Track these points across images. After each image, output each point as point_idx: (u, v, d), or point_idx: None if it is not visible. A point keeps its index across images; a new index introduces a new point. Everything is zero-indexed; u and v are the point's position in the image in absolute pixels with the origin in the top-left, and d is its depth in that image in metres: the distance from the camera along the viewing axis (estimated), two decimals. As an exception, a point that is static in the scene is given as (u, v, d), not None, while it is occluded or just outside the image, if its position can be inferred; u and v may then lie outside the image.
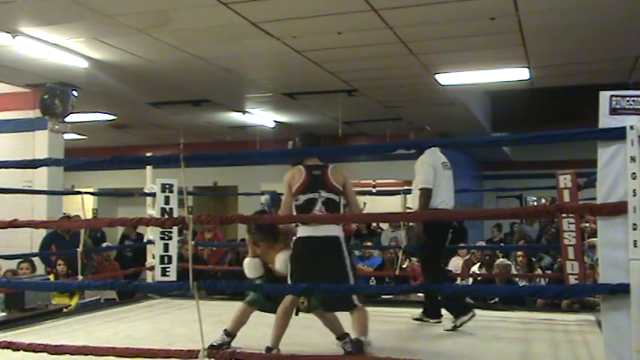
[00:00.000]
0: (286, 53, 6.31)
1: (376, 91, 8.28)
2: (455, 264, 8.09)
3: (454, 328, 4.36)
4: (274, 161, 12.43)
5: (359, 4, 4.95)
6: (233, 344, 3.77)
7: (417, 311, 4.82)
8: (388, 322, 4.78)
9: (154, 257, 5.87)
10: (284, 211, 3.56)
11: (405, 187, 11.58)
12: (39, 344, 3.12)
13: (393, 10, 5.14)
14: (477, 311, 5.28)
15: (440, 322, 4.64)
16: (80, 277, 5.41)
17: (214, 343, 3.63)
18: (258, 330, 4.52)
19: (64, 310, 5.35)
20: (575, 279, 4.62)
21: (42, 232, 7.05)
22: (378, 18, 5.28)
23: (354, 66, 6.97)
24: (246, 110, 9.70)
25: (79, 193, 5.99)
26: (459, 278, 7.34)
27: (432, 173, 4.38)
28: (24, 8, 5.12)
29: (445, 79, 7.45)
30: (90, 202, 12.98)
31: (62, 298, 5.81)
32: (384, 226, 10.92)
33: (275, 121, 10.54)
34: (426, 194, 4.36)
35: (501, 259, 6.51)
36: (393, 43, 6.01)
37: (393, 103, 9.03)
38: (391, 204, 9.87)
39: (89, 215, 10.42)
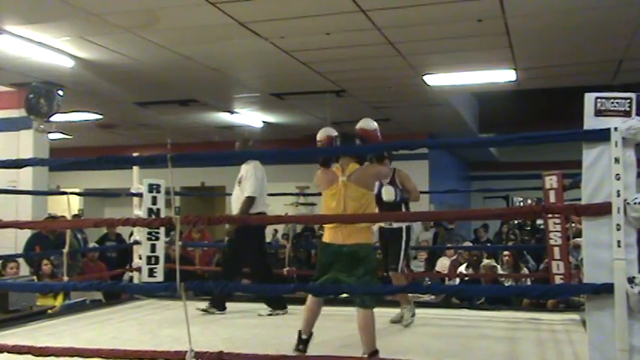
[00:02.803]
0: (274, 53, 6.30)
1: (364, 91, 8.30)
2: (442, 264, 8.14)
3: (269, 315, 5.02)
4: (262, 161, 12.42)
5: (347, 5, 4.96)
6: (221, 347, 3.75)
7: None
8: (377, 322, 4.79)
9: (140, 258, 5.85)
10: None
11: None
12: (23, 346, 3.09)
13: (381, 11, 5.15)
14: (465, 311, 5.34)
15: (224, 313, 5.05)
16: (66, 278, 5.37)
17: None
18: (248, 331, 4.53)
19: (49, 311, 5.30)
20: (561, 279, 4.67)
21: (27, 233, 6.98)
22: (366, 19, 5.29)
23: (342, 67, 6.98)
24: (234, 110, 9.67)
25: (65, 193, 5.94)
26: (446, 278, 7.39)
27: (259, 184, 5.07)
28: (9, 6, 5.07)
29: (433, 80, 7.48)
30: (76, 202, 12.87)
31: (47, 299, 5.75)
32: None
33: (263, 122, 10.53)
34: (251, 202, 5.01)
35: (487, 261, 6.56)
36: (381, 44, 6.02)
37: (381, 103, 9.05)
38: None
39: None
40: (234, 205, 5.20)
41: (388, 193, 4.39)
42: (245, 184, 5.06)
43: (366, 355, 3.32)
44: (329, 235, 3.50)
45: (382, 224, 4.69)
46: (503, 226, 11.91)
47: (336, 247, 3.44)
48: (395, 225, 4.61)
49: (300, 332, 3.56)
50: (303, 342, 3.54)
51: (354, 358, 3.36)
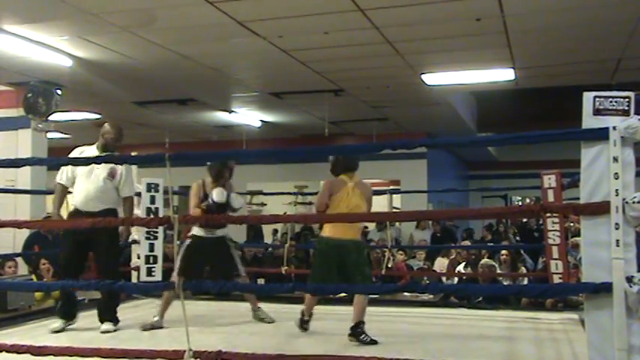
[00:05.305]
0: (273, 53, 6.30)
1: (362, 91, 8.30)
2: (440, 263, 8.14)
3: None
4: (261, 161, 12.43)
5: (345, 4, 4.96)
6: (219, 346, 3.75)
7: (403, 310, 4.85)
8: (373, 322, 4.79)
9: (138, 257, 5.83)
10: None
11: (391, 187, 11.71)
12: (22, 345, 3.08)
13: (380, 11, 5.15)
14: (463, 310, 5.34)
15: (73, 322, 4.75)
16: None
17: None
18: (246, 330, 4.53)
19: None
20: (559, 278, 4.67)
21: (25, 232, 6.96)
22: (365, 18, 5.29)
23: (340, 66, 6.98)
24: (233, 110, 9.67)
25: (63, 192, 5.90)
26: (444, 277, 7.39)
27: None
28: (7, 5, 5.07)
29: (431, 79, 7.48)
30: (74, 201, 12.80)
31: (45, 299, 5.73)
32: (370, 226, 10.95)
33: (261, 121, 10.52)
34: (133, 202, 4.90)
35: (486, 260, 6.56)
36: (380, 44, 6.02)
37: (379, 103, 9.05)
38: (377, 204, 9.91)
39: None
40: (99, 202, 4.65)
41: (219, 194, 4.66)
42: (124, 182, 4.73)
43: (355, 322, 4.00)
44: (330, 231, 4.18)
45: (203, 234, 4.69)
46: (499, 225, 11.90)
47: (337, 240, 4.11)
48: (219, 233, 4.73)
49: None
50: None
51: (353, 357, 3.36)
